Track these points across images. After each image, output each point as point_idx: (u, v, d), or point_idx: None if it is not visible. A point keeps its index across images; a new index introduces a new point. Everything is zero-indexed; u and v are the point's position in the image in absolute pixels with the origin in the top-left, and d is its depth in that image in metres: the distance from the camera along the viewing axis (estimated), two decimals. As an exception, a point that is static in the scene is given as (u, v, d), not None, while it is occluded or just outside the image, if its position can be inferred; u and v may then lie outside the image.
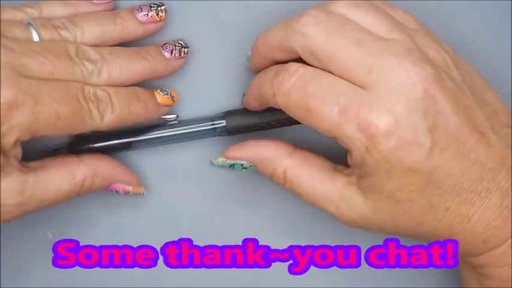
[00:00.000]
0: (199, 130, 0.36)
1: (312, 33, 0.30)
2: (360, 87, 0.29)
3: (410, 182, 0.29)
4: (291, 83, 0.30)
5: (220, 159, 0.35)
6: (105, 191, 0.35)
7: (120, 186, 0.35)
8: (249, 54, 0.35)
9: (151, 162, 0.37)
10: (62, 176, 0.32)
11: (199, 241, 0.37)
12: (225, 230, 0.38)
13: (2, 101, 0.29)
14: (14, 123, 0.29)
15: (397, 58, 0.29)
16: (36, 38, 0.32)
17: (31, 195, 0.31)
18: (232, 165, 0.35)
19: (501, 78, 0.38)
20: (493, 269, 0.31)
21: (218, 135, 0.36)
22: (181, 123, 0.36)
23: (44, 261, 0.37)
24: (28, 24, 0.32)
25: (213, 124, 0.36)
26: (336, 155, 0.34)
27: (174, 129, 0.36)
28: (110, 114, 0.32)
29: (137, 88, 0.34)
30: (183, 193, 0.37)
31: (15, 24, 0.32)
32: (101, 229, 0.37)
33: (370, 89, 0.29)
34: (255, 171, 0.35)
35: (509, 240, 0.30)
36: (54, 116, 0.30)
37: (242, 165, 0.34)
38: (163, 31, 0.36)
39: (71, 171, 0.33)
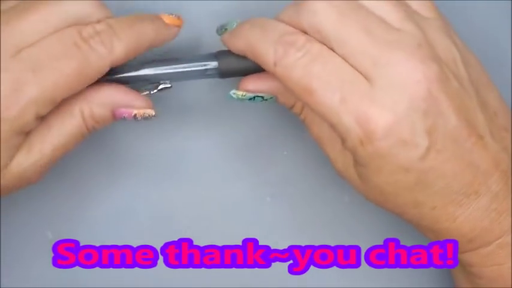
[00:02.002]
0: (188, 71, 0.32)
1: (323, 11, 0.29)
2: (363, 77, 0.28)
3: (400, 179, 0.29)
4: (296, 58, 0.29)
5: (240, 93, 0.32)
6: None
7: (125, 111, 0.32)
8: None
9: (150, 161, 0.37)
10: (60, 119, 0.31)
11: (199, 241, 0.37)
12: (225, 230, 0.38)
13: (2, 88, 0.28)
14: (24, 102, 0.28)
15: (405, 53, 0.28)
16: None
17: (40, 151, 0.30)
18: (252, 98, 0.33)
19: (501, 78, 0.38)
20: (482, 268, 0.31)
21: (208, 77, 0.33)
22: (170, 61, 0.33)
23: (44, 261, 0.37)
24: None
25: (204, 65, 0.33)
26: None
27: (160, 67, 0.32)
28: (117, 42, 0.30)
29: (138, 14, 0.32)
30: (183, 193, 0.37)
31: None
32: (101, 229, 0.37)
33: (373, 82, 0.28)
34: (275, 102, 0.33)
35: (497, 241, 0.30)
36: (60, 76, 0.29)
37: (263, 97, 0.33)
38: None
39: (66, 110, 0.31)
